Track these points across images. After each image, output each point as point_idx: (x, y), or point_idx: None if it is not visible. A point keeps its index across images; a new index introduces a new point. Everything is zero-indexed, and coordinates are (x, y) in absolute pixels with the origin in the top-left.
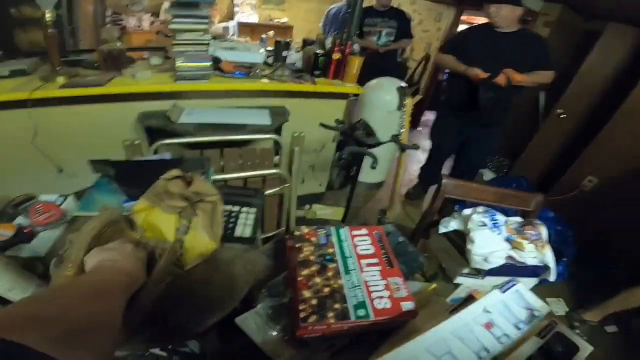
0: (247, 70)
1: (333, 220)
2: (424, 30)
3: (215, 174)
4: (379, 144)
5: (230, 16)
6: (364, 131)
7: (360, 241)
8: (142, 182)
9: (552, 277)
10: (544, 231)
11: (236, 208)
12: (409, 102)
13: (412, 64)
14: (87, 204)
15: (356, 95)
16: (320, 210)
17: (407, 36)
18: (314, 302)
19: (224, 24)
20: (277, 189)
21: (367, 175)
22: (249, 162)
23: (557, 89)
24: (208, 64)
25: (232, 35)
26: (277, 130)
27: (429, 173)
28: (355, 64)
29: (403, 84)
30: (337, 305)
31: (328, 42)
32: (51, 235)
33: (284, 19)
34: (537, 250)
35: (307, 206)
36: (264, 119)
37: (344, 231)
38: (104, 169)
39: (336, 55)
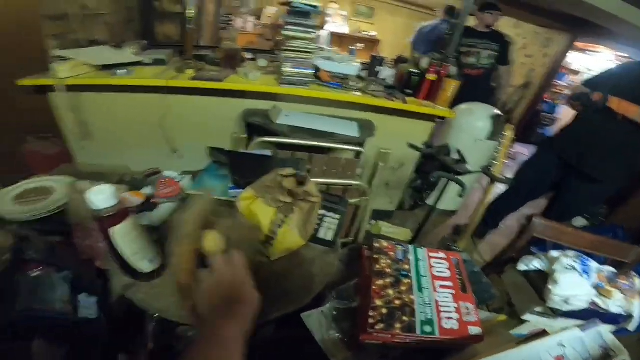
0: (342, 81)
1: (397, 241)
2: (527, 56)
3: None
4: (467, 172)
5: (322, 25)
6: (453, 158)
7: (437, 263)
8: (248, 173)
9: (632, 327)
10: (638, 283)
11: (322, 211)
12: (509, 133)
13: (509, 90)
14: (199, 185)
15: (442, 118)
16: (386, 228)
17: (505, 62)
18: (384, 311)
19: (317, 33)
20: (356, 199)
21: (441, 201)
22: (333, 170)
23: None
24: (311, 71)
25: (324, 44)
26: (362, 143)
27: (501, 211)
28: (452, 87)
29: (498, 113)
30: (405, 318)
31: (424, 62)
32: (168, 208)
33: (373, 32)
34: (626, 300)
35: (373, 221)
36: (353, 131)
37: (422, 252)
38: (219, 157)
39: (431, 76)
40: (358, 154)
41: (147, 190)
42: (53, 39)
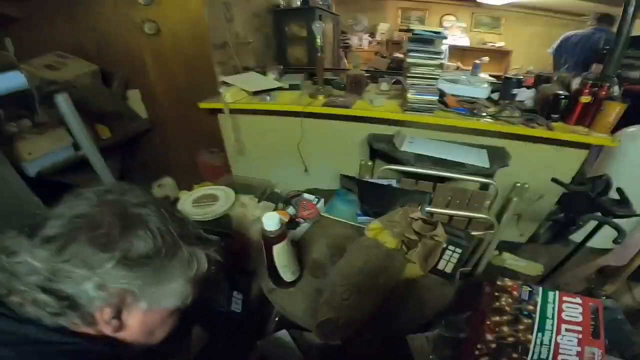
0: (470, 106)
1: (522, 274)
2: None
3: (433, 209)
4: (632, 216)
5: None
6: (611, 198)
7: (569, 308)
8: (374, 201)
9: None
10: None
11: (444, 244)
12: None
13: None
14: (331, 209)
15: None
16: (511, 261)
17: None
18: (493, 345)
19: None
20: (481, 232)
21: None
22: (457, 201)
23: None
24: (435, 98)
25: (443, 58)
26: (492, 174)
27: None
28: (615, 112)
29: None
30: (515, 355)
31: (575, 82)
32: (305, 227)
33: (500, 43)
34: None
35: (497, 252)
36: (483, 161)
37: (553, 294)
38: (349, 184)
39: (586, 98)
40: (487, 185)
41: (290, 211)
42: (218, 65)
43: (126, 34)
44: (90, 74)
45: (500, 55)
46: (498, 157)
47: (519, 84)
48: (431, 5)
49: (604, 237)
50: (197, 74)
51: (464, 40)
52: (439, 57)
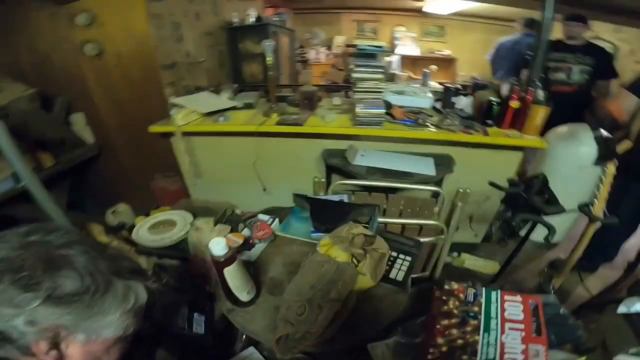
0: (415, 117)
1: (481, 273)
2: (637, 61)
3: (379, 217)
4: (560, 212)
5: (391, 49)
6: (542, 196)
7: (511, 307)
8: (327, 219)
9: None
10: None
11: (394, 254)
12: (611, 167)
13: None
14: (286, 227)
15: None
16: (470, 261)
17: (608, 75)
18: (444, 349)
19: (387, 58)
20: (432, 238)
21: (538, 233)
22: (409, 210)
23: None
24: (382, 111)
25: (395, 68)
26: (440, 181)
27: (609, 242)
28: (540, 114)
29: (606, 133)
30: (465, 357)
31: (505, 89)
32: (261, 247)
33: (447, 51)
34: None
35: (456, 254)
36: (429, 169)
37: (496, 294)
38: (302, 203)
39: (515, 104)
40: (436, 193)
41: (245, 232)
42: (168, 86)
43: (66, 56)
44: (28, 97)
45: (447, 63)
46: (443, 164)
47: (457, 92)
48: (383, 17)
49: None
50: (146, 95)
51: (414, 50)
52: (381, 70)
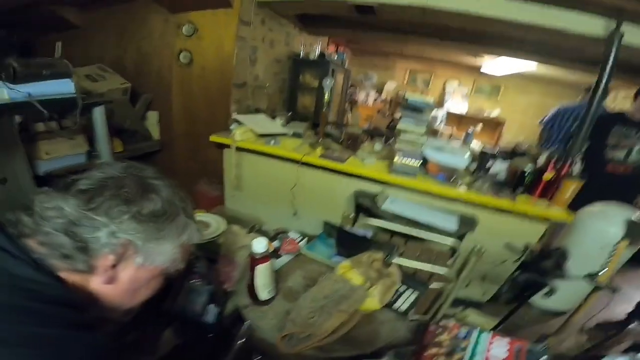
0: (449, 174)
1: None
2: None
3: (396, 257)
4: (564, 277)
5: (440, 103)
6: (553, 260)
7: (497, 346)
8: (350, 247)
9: None
10: None
11: (403, 287)
12: (623, 243)
13: None
14: (311, 247)
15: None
16: (473, 316)
17: None
18: None
19: (433, 112)
20: (440, 285)
21: (548, 299)
22: (424, 257)
23: None
24: (418, 163)
25: (440, 123)
26: (461, 236)
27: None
28: (571, 188)
29: (637, 218)
30: None
31: (542, 158)
32: (286, 259)
33: (496, 112)
34: None
35: (461, 307)
36: (451, 225)
37: (486, 334)
38: (330, 229)
39: (548, 175)
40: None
41: (276, 243)
42: (234, 103)
43: (163, 60)
44: (122, 90)
45: (494, 125)
46: (466, 223)
47: (493, 158)
48: (437, 68)
49: (566, 300)
50: (215, 107)
51: (463, 106)
52: (425, 125)
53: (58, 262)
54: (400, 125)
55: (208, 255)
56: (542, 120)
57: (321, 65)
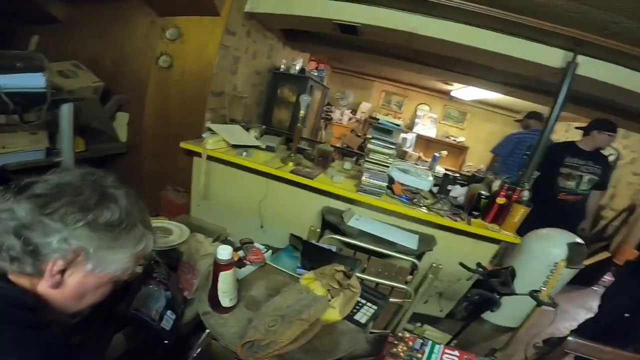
0: (412, 195)
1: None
2: (635, 174)
3: (358, 272)
4: (511, 294)
5: (411, 126)
6: (501, 279)
7: (448, 358)
8: (314, 260)
9: None
10: None
11: (363, 300)
12: (562, 263)
13: (610, 213)
14: (276, 259)
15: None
16: (430, 332)
17: (603, 187)
18: None
19: (403, 135)
20: (399, 300)
21: (498, 316)
22: (385, 272)
23: None
24: (385, 184)
25: (409, 146)
26: (420, 255)
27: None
28: (519, 213)
29: (578, 240)
30: None
31: (495, 185)
32: (250, 269)
33: (461, 138)
34: None
35: (419, 324)
36: (412, 244)
37: (439, 347)
38: (296, 242)
39: (501, 200)
40: (414, 264)
41: (241, 253)
42: (210, 111)
43: (142, 61)
44: (94, 89)
45: (459, 150)
46: (426, 242)
47: (454, 181)
48: (411, 92)
49: (514, 318)
50: (190, 114)
51: (432, 131)
52: (394, 147)
53: (6, 264)
54: (370, 146)
55: (169, 262)
56: (493, 149)
57: (300, 80)
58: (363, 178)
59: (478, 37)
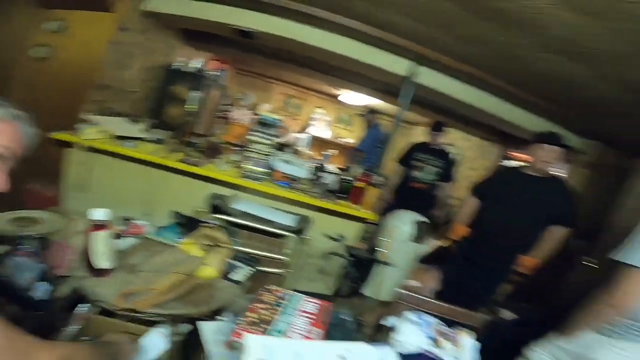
0: (291, 181)
1: None
2: (472, 169)
3: (241, 247)
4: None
5: (306, 128)
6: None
7: (309, 304)
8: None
9: None
10: (466, 339)
11: (239, 263)
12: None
13: (456, 202)
14: (158, 234)
15: (370, 221)
16: None
17: (448, 179)
18: (252, 320)
19: (299, 135)
20: (275, 270)
21: (377, 291)
22: (265, 245)
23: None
24: (266, 170)
25: (305, 145)
26: (299, 232)
27: None
28: (371, 194)
29: (423, 219)
30: (263, 326)
31: (353, 171)
32: (131, 241)
33: (349, 139)
34: (456, 349)
35: None
36: (289, 222)
37: (299, 296)
38: (178, 217)
39: (358, 184)
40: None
41: (120, 226)
42: (92, 104)
43: (13, 50)
44: None
45: (348, 149)
46: (303, 221)
47: (321, 168)
48: (309, 96)
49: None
50: (68, 106)
51: (326, 132)
52: (273, 138)
53: None
54: (250, 137)
55: (43, 245)
56: (357, 147)
57: (196, 79)
58: (245, 165)
59: (345, 46)
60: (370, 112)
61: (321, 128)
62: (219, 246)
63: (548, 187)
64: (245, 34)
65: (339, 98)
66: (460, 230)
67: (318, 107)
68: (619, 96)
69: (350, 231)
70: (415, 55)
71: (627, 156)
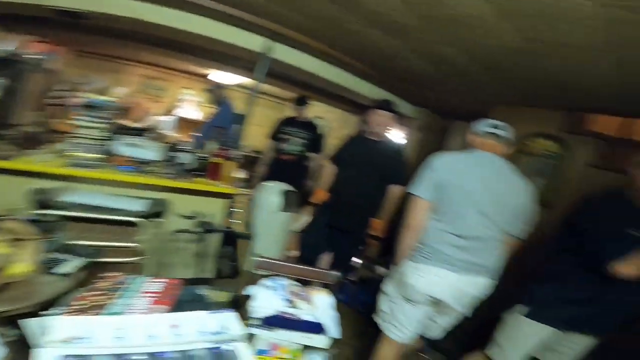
0: (139, 165)
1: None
2: (338, 138)
3: (75, 240)
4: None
5: (172, 109)
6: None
7: (154, 285)
8: None
9: (331, 334)
10: (321, 296)
11: (65, 256)
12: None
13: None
14: None
15: (228, 196)
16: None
17: (317, 150)
18: (85, 307)
19: (162, 117)
20: (135, 258)
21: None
22: (110, 235)
23: None
24: (98, 156)
25: (170, 127)
26: (154, 216)
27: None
28: (230, 168)
29: (289, 189)
30: (97, 310)
31: (208, 148)
32: None
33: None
34: (311, 307)
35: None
36: (137, 207)
37: (141, 278)
38: None
39: (215, 159)
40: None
41: None
42: None
43: None
44: None
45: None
46: (158, 205)
47: (174, 147)
48: (174, 77)
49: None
50: None
51: (197, 114)
52: (105, 121)
53: None
54: (76, 122)
55: None
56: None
57: (9, 63)
58: (71, 152)
59: (197, 24)
60: (217, 87)
61: (191, 109)
62: (25, 240)
63: (382, 149)
64: (73, 14)
65: (209, 77)
66: (320, 195)
67: (186, 87)
68: (428, 69)
69: (214, 209)
70: (270, 32)
71: (448, 120)
